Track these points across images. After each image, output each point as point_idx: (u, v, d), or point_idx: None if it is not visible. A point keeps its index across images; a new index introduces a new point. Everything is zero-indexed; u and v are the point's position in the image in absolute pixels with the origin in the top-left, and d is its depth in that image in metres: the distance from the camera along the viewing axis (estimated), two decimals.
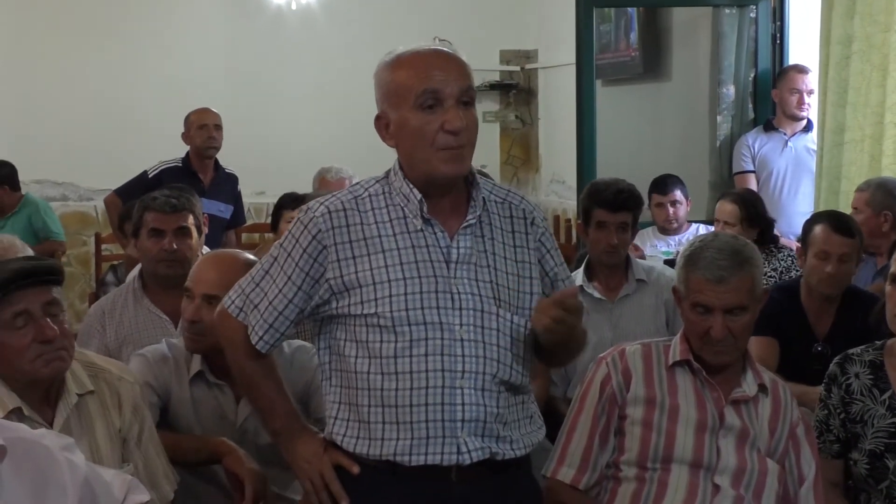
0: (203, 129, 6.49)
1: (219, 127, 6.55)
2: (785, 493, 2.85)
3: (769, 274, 4.83)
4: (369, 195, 2.46)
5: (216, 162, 6.60)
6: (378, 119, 2.45)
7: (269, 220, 5.90)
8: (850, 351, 3.22)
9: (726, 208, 5.13)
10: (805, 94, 6.10)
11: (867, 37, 5.31)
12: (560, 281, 2.57)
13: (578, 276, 4.10)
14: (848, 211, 4.80)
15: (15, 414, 2.60)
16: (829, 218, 4.17)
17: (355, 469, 2.44)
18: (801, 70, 6.18)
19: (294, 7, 8.46)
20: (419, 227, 2.42)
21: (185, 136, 6.55)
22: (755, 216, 5.09)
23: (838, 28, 5.44)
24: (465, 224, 2.44)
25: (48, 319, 2.62)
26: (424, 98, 2.35)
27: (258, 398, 2.61)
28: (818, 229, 4.05)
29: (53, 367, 2.64)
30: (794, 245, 5.06)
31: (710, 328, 2.76)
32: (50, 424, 2.65)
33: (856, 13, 5.36)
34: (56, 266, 2.71)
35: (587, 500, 2.83)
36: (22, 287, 2.59)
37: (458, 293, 2.40)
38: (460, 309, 2.40)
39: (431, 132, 2.36)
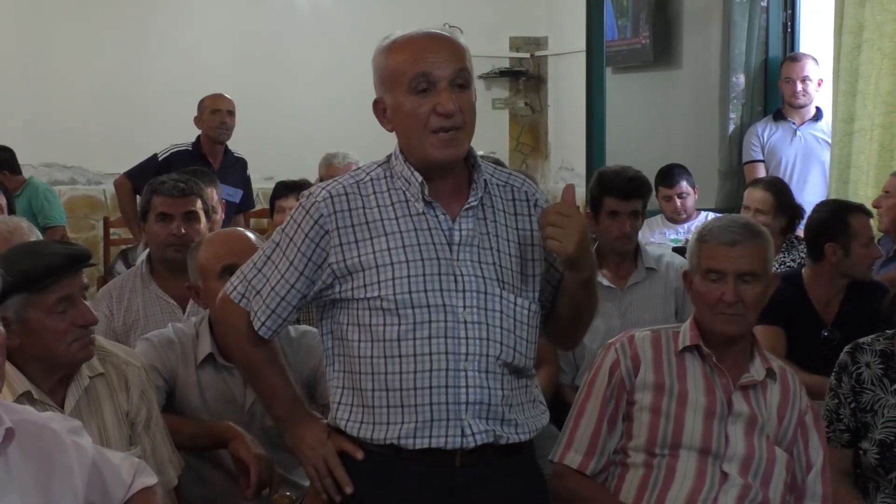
0: (216, 113, 6.50)
1: (231, 113, 6.57)
2: (793, 480, 2.85)
3: (787, 264, 4.80)
4: (371, 179, 2.46)
5: (226, 146, 6.61)
6: (376, 104, 2.45)
7: None
8: (861, 340, 3.22)
9: (757, 195, 4.99)
10: (798, 83, 6.08)
11: (878, 25, 5.28)
12: None
13: None
14: (857, 200, 4.79)
15: (25, 397, 2.60)
16: (855, 206, 4.25)
17: (359, 455, 2.43)
18: (794, 59, 6.17)
19: None
20: (421, 210, 2.42)
21: (198, 120, 6.56)
22: (786, 205, 4.94)
23: (850, 17, 5.42)
24: (467, 206, 2.43)
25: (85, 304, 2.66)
26: (417, 82, 2.35)
27: (261, 385, 2.60)
28: (857, 219, 4.07)
29: (87, 351, 2.68)
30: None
31: (722, 294, 2.76)
32: (61, 406, 2.65)
33: (867, 1, 5.33)
34: (90, 252, 2.76)
35: (594, 485, 2.83)
36: (70, 273, 2.62)
37: (462, 275, 2.40)
38: (464, 291, 2.39)
39: (424, 115, 2.36)
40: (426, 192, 2.41)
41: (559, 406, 3.58)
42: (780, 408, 2.84)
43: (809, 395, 2.96)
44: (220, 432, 2.99)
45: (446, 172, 2.43)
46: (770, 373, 2.85)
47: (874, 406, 3.13)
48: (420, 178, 2.40)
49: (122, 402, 2.78)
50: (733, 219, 2.87)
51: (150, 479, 2.42)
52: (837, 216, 4.10)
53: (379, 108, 2.44)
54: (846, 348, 3.23)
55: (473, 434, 2.38)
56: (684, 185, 5.97)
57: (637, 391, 2.81)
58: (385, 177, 2.46)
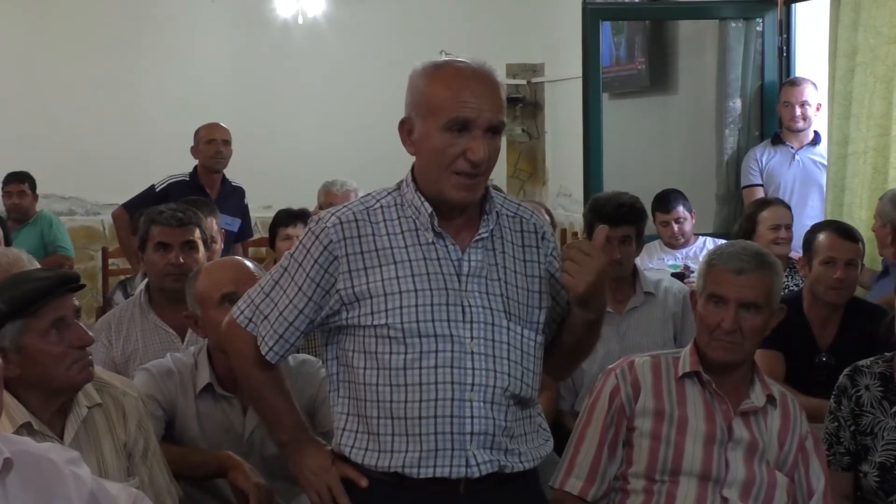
0: (211, 143, 6.53)
1: (227, 142, 6.59)
2: None
3: (790, 287, 4.79)
4: (381, 206, 2.45)
5: (223, 176, 6.62)
6: (402, 123, 2.42)
7: None
8: (860, 363, 3.22)
9: (781, 213, 5.03)
10: (797, 107, 6.08)
11: (871, 48, 5.29)
12: None
13: None
14: (852, 223, 4.80)
15: (25, 428, 2.59)
16: (831, 225, 4.22)
17: (363, 482, 2.43)
18: (793, 83, 6.17)
19: (300, 21, 8.50)
20: (430, 240, 2.41)
21: (194, 150, 6.58)
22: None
23: (843, 40, 5.43)
24: (478, 237, 2.43)
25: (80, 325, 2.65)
26: (454, 123, 2.33)
27: (266, 409, 2.60)
28: (822, 237, 4.06)
29: (87, 373, 2.66)
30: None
31: (721, 321, 2.76)
32: (60, 437, 2.65)
33: (860, 25, 5.34)
34: (79, 274, 2.75)
35: None
36: (60, 295, 2.61)
37: (469, 306, 2.39)
38: (471, 322, 2.39)
39: (452, 156, 2.34)
40: (436, 223, 2.40)
41: (559, 432, 3.57)
42: (781, 433, 2.84)
43: (808, 419, 2.96)
44: (220, 461, 2.98)
45: (458, 211, 2.42)
46: (770, 399, 2.84)
47: (874, 429, 3.13)
48: (430, 210, 2.40)
49: (120, 433, 2.77)
50: (745, 246, 2.87)
51: None
52: (811, 233, 4.15)
53: (405, 129, 2.42)
54: (845, 371, 3.23)
55: (478, 464, 2.38)
56: (681, 210, 5.97)
57: (637, 417, 2.81)
58: (395, 204, 2.45)
